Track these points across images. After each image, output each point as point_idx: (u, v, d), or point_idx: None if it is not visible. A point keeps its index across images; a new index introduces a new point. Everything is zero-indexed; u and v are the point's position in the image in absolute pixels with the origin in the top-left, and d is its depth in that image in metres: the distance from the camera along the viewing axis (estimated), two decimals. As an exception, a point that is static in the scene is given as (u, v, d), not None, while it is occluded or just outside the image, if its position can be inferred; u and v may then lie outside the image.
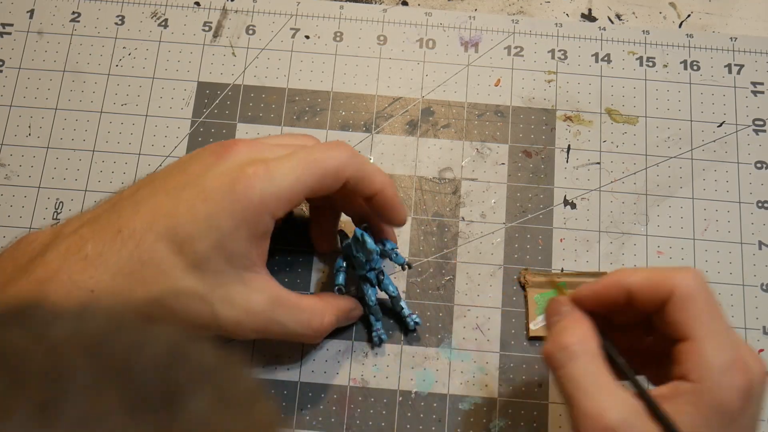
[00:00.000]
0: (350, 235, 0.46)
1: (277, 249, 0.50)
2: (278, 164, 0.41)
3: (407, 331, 0.49)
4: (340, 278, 0.47)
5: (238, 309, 0.41)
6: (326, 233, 0.49)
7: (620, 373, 0.38)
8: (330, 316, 0.45)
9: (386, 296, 0.48)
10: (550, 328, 0.40)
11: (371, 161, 0.45)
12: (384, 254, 0.47)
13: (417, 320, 0.48)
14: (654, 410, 0.36)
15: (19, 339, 0.21)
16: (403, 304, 0.48)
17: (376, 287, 0.47)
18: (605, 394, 0.36)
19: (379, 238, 0.47)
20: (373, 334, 0.48)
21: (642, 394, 0.37)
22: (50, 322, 0.22)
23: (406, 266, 0.48)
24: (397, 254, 0.47)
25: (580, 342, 0.38)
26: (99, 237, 0.40)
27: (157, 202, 0.41)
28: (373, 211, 0.45)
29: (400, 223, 0.46)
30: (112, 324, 0.23)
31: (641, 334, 0.42)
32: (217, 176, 0.41)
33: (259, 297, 0.42)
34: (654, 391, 0.37)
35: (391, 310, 0.49)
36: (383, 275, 0.48)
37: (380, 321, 0.48)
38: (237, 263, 0.41)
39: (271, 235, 0.42)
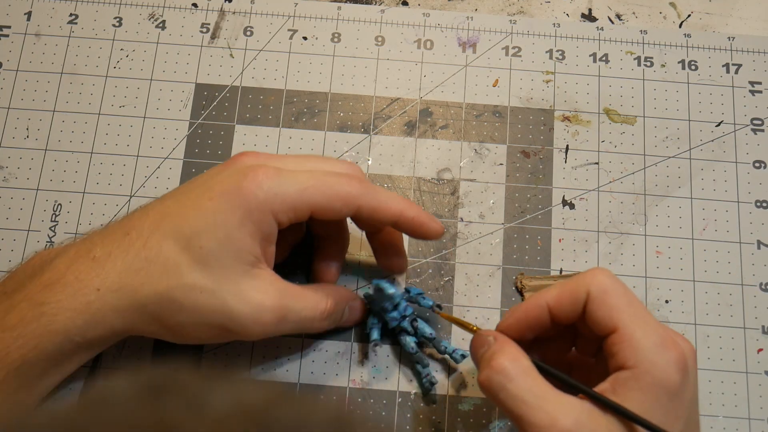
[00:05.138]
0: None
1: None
2: (289, 171, 0.42)
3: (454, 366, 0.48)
4: (375, 334, 0.46)
5: (252, 303, 0.41)
6: (330, 266, 0.49)
7: (558, 383, 0.39)
8: (331, 300, 0.44)
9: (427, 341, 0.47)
10: (479, 361, 0.41)
11: (385, 188, 0.44)
12: (411, 300, 0.47)
13: (464, 353, 0.47)
14: (602, 401, 0.37)
15: (178, 412, 0.21)
16: (444, 343, 0.47)
17: (413, 335, 0.47)
18: (552, 402, 0.37)
19: (405, 287, 0.48)
20: (423, 380, 0.47)
21: (586, 392, 0.38)
22: (205, 390, 0.22)
23: (437, 307, 0.47)
24: (424, 298, 0.47)
25: (514, 361, 0.39)
26: (108, 240, 0.42)
27: (164, 206, 0.42)
28: (404, 232, 0.45)
29: (436, 236, 0.45)
30: (272, 395, 0.22)
31: (565, 347, 0.44)
32: (224, 178, 0.42)
33: (270, 288, 0.42)
34: (596, 389, 0.38)
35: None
36: (417, 321, 0.47)
37: (427, 367, 0.47)
38: (243, 259, 0.41)
39: (275, 242, 0.43)
